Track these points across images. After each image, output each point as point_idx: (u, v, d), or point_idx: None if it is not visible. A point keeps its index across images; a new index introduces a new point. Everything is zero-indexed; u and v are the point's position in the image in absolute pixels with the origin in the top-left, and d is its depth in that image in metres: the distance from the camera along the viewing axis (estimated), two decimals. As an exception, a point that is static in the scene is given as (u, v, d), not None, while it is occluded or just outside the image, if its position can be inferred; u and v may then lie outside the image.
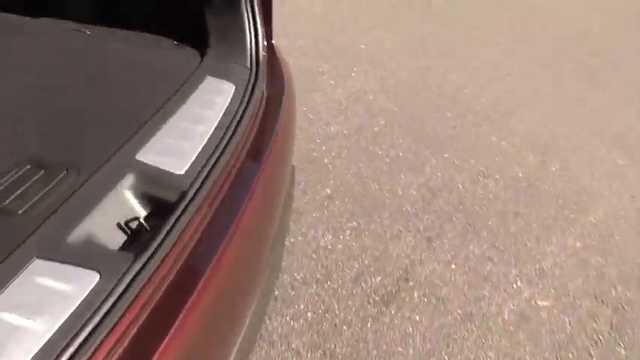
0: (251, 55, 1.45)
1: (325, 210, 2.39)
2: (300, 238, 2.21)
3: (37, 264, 0.84)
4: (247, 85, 1.37)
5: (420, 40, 4.37)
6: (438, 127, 3.17)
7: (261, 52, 1.46)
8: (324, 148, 2.81)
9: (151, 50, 1.55)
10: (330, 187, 2.52)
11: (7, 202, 0.96)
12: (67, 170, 1.06)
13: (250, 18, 1.45)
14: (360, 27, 4.38)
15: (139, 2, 1.67)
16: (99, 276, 0.83)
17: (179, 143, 1.16)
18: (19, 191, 0.99)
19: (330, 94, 3.33)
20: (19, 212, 0.94)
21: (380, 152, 2.86)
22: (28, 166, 1.06)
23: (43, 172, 1.05)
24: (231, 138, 1.19)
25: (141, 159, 1.10)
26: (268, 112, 1.37)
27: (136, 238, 0.97)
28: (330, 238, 2.24)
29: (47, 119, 1.26)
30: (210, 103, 1.29)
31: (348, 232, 2.29)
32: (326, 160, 2.72)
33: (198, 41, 1.53)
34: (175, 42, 1.58)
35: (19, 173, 1.04)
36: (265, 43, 1.50)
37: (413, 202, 2.53)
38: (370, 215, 2.40)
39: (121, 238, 0.98)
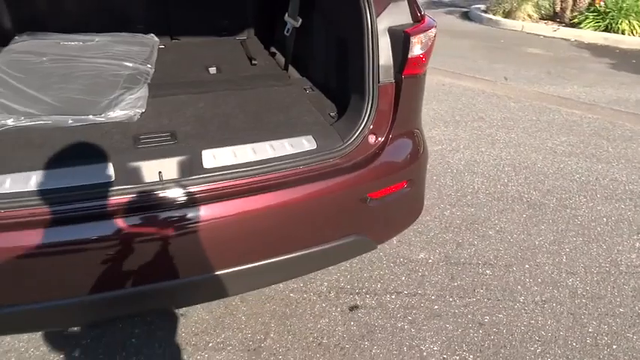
0: (352, 135, 1.87)
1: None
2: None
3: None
4: (323, 150, 1.82)
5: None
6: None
7: (358, 138, 1.86)
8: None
9: (312, 116, 2.11)
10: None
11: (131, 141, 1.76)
12: (176, 140, 1.78)
13: (368, 110, 1.88)
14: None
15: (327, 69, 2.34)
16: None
17: (234, 157, 1.72)
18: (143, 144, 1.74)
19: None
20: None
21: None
22: (167, 134, 1.81)
23: (167, 137, 1.79)
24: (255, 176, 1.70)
25: (202, 152, 1.69)
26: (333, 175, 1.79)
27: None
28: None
29: (211, 118, 2.01)
30: (286, 149, 1.80)
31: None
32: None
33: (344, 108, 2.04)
34: (333, 113, 2.11)
35: (159, 135, 1.79)
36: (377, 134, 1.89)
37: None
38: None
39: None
